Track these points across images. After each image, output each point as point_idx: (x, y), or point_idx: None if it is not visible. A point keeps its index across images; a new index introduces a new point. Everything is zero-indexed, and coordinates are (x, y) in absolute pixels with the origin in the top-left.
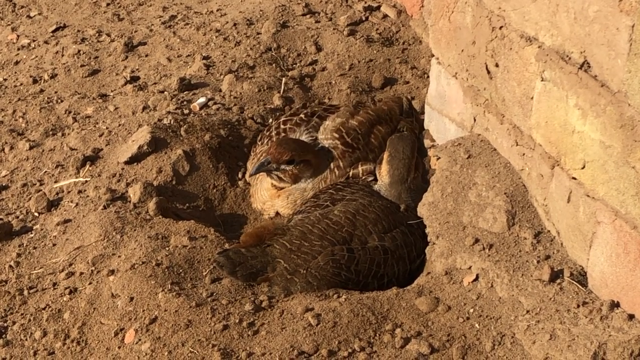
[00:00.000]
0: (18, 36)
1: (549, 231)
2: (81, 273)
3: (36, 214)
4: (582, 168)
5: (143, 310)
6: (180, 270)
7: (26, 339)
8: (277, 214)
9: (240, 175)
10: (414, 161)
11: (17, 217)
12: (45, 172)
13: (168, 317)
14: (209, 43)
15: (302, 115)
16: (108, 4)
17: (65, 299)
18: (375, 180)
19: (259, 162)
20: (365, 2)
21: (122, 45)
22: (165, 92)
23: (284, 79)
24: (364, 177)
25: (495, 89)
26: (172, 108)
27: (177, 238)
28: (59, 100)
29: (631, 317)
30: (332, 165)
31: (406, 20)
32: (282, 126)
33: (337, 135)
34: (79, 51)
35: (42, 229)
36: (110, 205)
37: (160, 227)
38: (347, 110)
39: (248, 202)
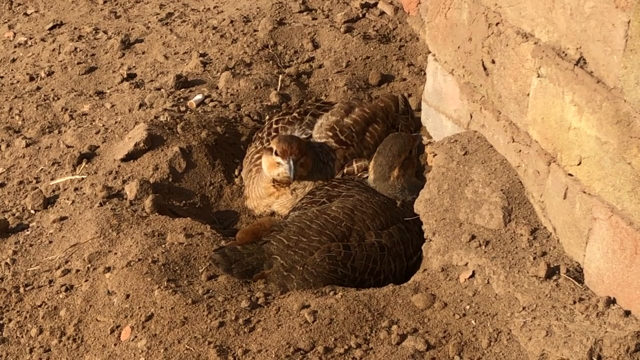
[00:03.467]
0: (15, 34)
1: (545, 228)
2: (77, 270)
3: (32, 212)
4: (578, 164)
5: (139, 308)
6: (177, 268)
7: (22, 337)
8: (273, 213)
9: (236, 173)
10: (399, 160)
11: (14, 215)
12: (42, 169)
13: (164, 314)
14: (206, 40)
15: (294, 114)
16: (105, 2)
17: (61, 296)
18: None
19: (291, 168)
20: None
21: (118, 43)
22: (162, 90)
23: (280, 76)
24: (359, 174)
25: (492, 86)
26: (168, 105)
27: (174, 235)
28: (56, 98)
29: (627, 313)
30: (325, 159)
31: (403, 17)
32: (274, 125)
33: (330, 134)
34: (75, 49)
35: (38, 227)
36: (107, 203)
37: (157, 224)
38: (342, 108)
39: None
